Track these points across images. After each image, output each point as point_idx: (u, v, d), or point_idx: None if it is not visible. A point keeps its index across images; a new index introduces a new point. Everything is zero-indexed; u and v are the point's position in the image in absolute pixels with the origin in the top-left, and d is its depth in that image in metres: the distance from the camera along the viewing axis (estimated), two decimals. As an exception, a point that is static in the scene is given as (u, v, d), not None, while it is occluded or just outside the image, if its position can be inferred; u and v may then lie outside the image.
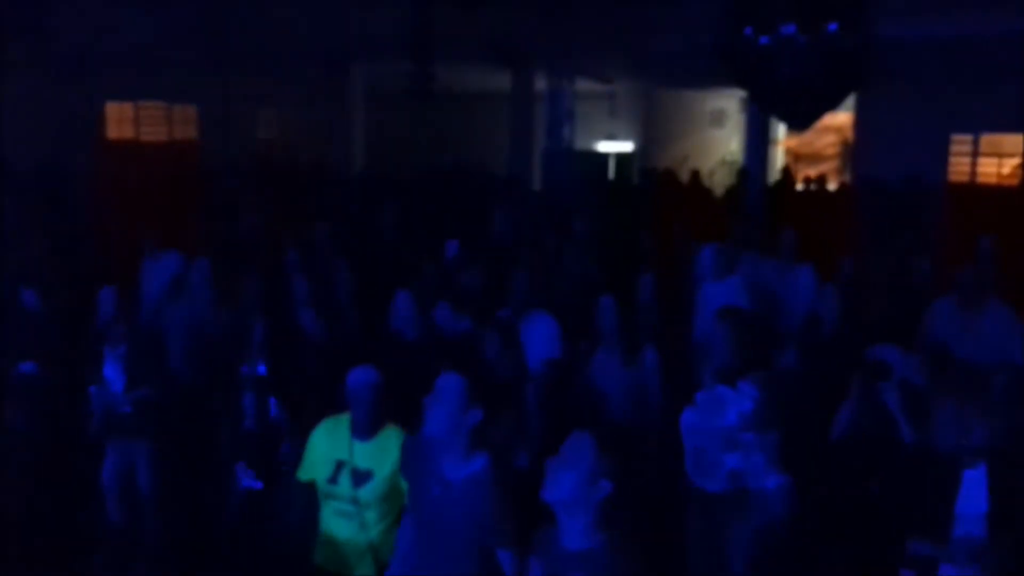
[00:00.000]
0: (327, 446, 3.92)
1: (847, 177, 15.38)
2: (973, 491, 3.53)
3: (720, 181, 15.56)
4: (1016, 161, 15.99)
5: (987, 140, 15.75)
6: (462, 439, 3.31)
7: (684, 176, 13.32)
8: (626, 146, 19.45)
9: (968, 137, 15.29)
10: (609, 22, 14.19)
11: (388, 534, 3.83)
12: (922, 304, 6.10)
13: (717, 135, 19.52)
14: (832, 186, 13.14)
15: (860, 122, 16.17)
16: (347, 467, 3.83)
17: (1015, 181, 14.77)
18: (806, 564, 4.50)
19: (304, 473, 3.99)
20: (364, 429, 3.85)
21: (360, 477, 3.81)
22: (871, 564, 3.97)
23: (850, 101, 14.64)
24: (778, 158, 18.10)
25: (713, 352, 4.44)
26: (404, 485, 3.69)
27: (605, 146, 19.16)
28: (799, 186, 13.28)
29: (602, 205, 11.55)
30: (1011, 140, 15.87)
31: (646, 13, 13.90)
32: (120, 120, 12.29)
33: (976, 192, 11.45)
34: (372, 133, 18.03)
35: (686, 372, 5.36)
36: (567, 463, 2.74)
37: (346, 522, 3.85)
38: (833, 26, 7.64)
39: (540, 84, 15.73)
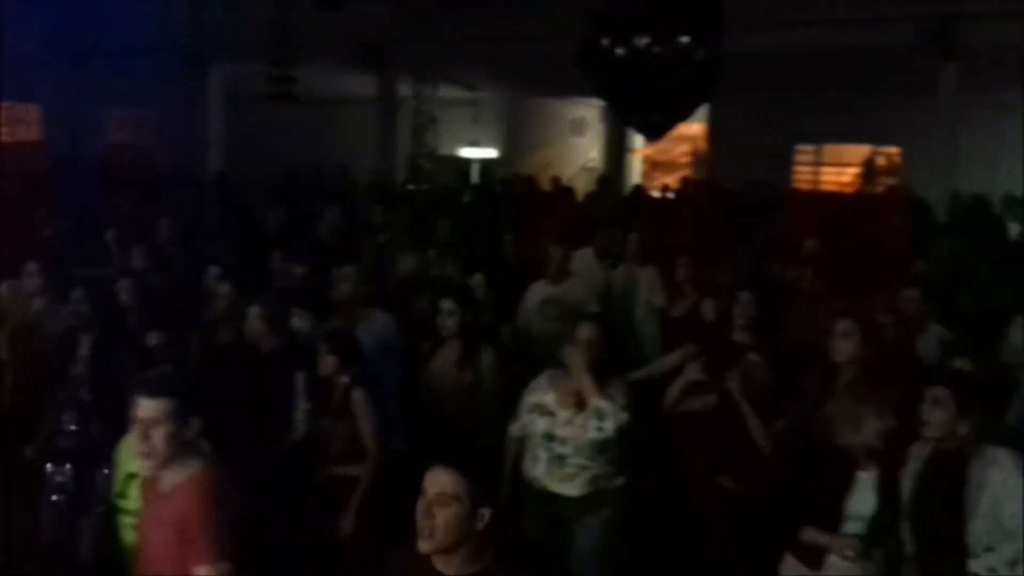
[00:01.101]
0: (124, 460, 3.84)
1: (700, 184, 15.94)
2: (863, 491, 3.69)
3: (581, 188, 15.88)
4: (855, 170, 17.01)
5: (829, 150, 16.72)
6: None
7: (545, 182, 13.54)
8: (490, 152, 19.62)
9: (811, 147, 16.20)
10: (473, 29, 14.30)
11: None
12: (773, 305, 6.37)
13: (578, 143, 19.94)
14: (685, 193, 13.58)
15: (712, 132, 16.85)
16: (136, 479, 3.72)
17: (853, 189, 15.71)
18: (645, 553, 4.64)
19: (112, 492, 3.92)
20: None
21: None
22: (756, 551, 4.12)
23: (703, 112, 15.24)
24: (636, 166, 18.63)
25: (570, 354, 4.48)
26: None
27: (469, 152, 19.28)
28: (655, 193, 13.71)
29: (465, 209, 11.63)
30: (851, 150, 16.88)
31: (510, 21, 14.07)
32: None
33: (817, 198, 12.08)
34: (231, 136, 17.57)
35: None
36: (445, 502, 2.60)
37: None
38: (686, 38, 7.88)
39: (405, 89, 15.69)
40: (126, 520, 3.81)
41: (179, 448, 3.09)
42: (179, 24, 14.45)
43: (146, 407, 3.06)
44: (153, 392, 3.09)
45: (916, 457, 3.62)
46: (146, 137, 17.38)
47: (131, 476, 3.76)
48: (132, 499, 3.74)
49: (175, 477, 3.09)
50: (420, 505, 2.57)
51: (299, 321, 5.55)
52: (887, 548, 3.67)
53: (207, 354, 5.55)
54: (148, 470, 3.14)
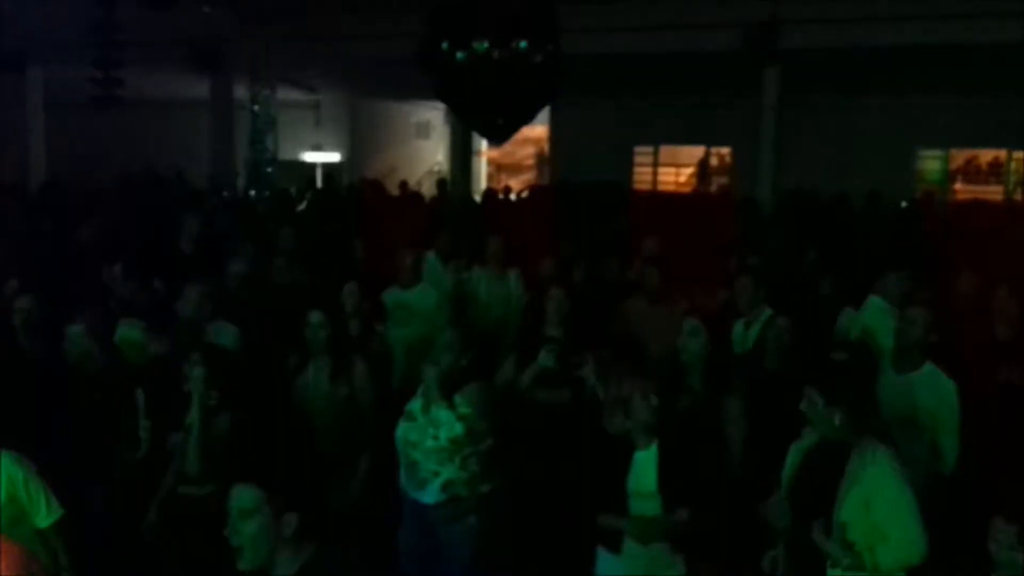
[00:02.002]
0: None
1: (544, 185, 16.22)
2: (642, 470, 3.82)
3: (428, 191, 15.86)
4: (691, 170, 17.70)
5: (665, 151, 17.34)
6: None
7: (391, 186, 13.43)
8: (333, 156, 19.31)
9: (649, 148, 16.74)
10: (309, 29, 14.02)
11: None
12: (611, 301, 6.55)
13: (423, 146, 19.91)
14: (527, 194, 13.78)
15: (553, 134, 17.16)
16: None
17: (689, 189, 16.35)
18: (521, 558, 4.66)
19: None
20: None
21: None
22: (576, 543, 4.19)
23: (545, 115, 15.50)
24: (482, 168, 18.76)
25: (429, 360, 4.46)
26: (31, 507, 3.63)
27: (311, 156, 18.91)
28: (500, 195, 13.83)
29: (309, 215, 11.39)
30: (687, 151, 17.55)
31: (347, 21, 13.87)
32: None
33: (655, 198, 12.48)
34: (54, 142, 16.60)
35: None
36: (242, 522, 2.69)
37: None
38: (524, 43, 7.97)
39: (241, 92, 15.23)
40: None
41: None
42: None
43: None
44: None
45: (794, 452, 3.64)
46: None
47: None
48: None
49: None
50: (228, 524, 2.67)
51: (131, 331, 5.26)
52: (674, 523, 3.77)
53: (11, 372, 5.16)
54: None
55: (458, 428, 4.30)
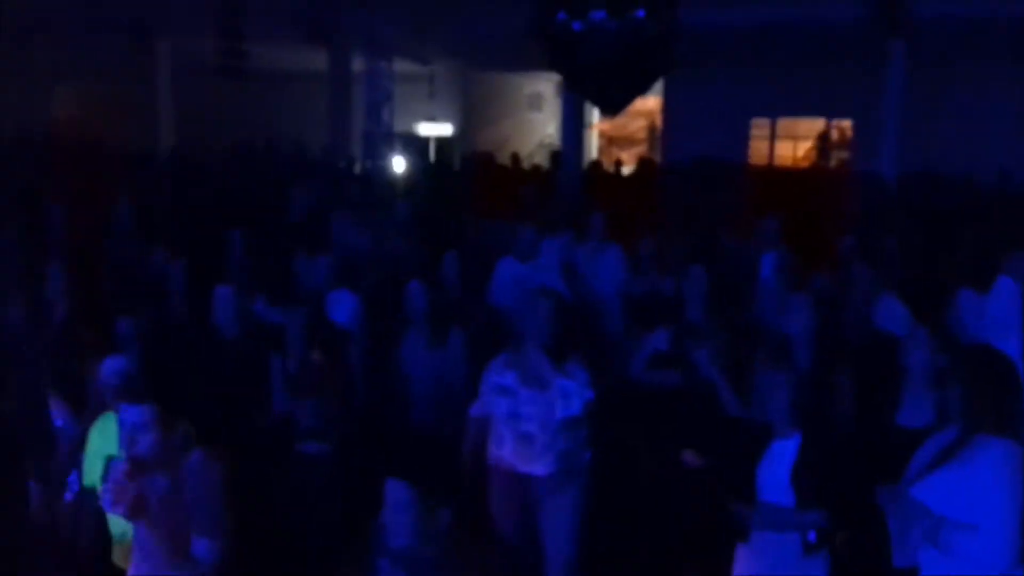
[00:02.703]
0: (100, 443, 3.81)
1: (657, 159, 16.01)
2: (778, 461, 3.70)
3: (539, 164, 15.86)
4: (809, 144, 17.19)
5: (783, 124, 16.86)
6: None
7: (504, 158, 13.48)
8: (446, 128, 19.49)
9: (766, 121, 16.32)
10: (426, 2, 14.14)
11: None
12: (727, 279, 6.44)
13: (535, 118, 19.88)
14: (639, 168, 13.60)
15: (668, 107, 16.89)
16: (118, 462, 3.70)
17: (808, 163, 15.88)
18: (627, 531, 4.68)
19: (88, 477, 3.87)
20: None
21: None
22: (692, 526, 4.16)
23: (659, 87, 15.26)
24: (593, 141, 18.63)
25: (529, 333, 4.47)
26: None
27: (425, 128, 19.13)
28: (610, 168, 13.71)
29: (423, 187, 11.55)
30: (805, 124, 17.04)
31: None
32: None
33: (773, 173, 12.17)
34: (181, 111, 17.25)
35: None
36: (398, 514, 2.77)
37: (119, 519, 3.70)
38: (641, 12, 7.88)
39: (358, 65, 15.50)
40: None
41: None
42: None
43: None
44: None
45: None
46: (93, 113, 16.99)
47: (110, 459, 3.71)
48: None
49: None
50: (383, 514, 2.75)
51: (262, 307, 5.48)
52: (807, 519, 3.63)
53: (160, 337, 5.43)
54: None
55: (589, 394, 4.31)
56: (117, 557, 3.84)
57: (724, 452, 3.87)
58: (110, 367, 3.87)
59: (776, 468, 3.70)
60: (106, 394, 3.91)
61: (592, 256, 6.94)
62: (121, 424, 3.21)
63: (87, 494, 3.91)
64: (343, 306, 5.56)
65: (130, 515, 2.96)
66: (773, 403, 3.72)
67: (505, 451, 4.47)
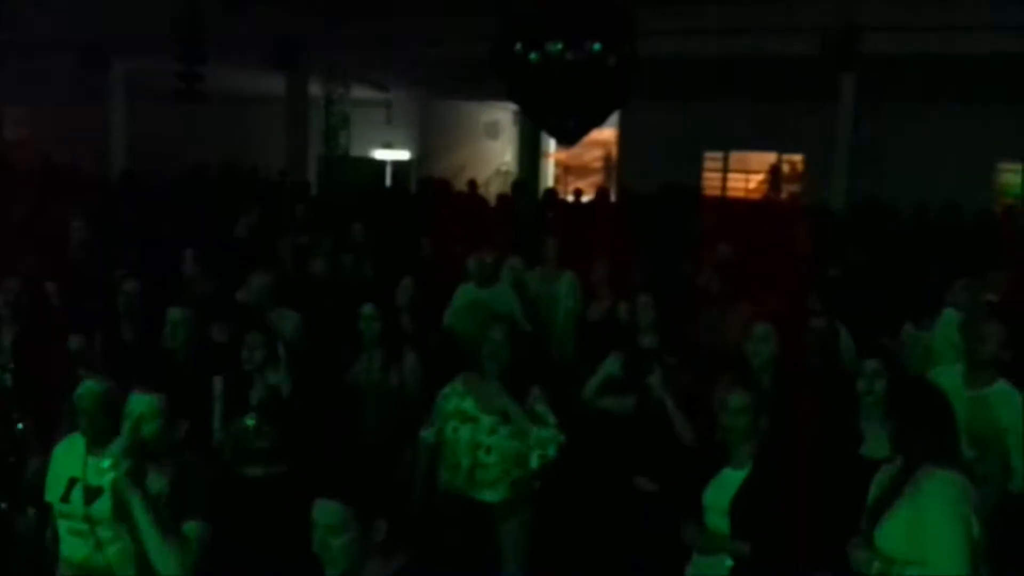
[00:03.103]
0: (63, 464, 3.76)
1: (612, 189, 16.17)
2: (725, 487, 3.77)
3: (495, 191, 15.94)
4: (760, 177, 17.49)
5: (736, 157, 17.16)
6: None
7: (461, 185, 13.52)
8: (403, 154, 19.52)
9: (719, 154, 16.60)
10: (383, 29, 14.20)
11: (124, 554, 3.65)
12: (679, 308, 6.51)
13: (492, 146, 19.99)
14: (593, 197, 13.72)
15: (623, 138, 17.10)
16: (79, 484, 3.66)
17: (759, 195, 16.16)
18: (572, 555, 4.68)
19: (49, 494, 3.79)
20: (95, 443, 3.68)
21: (92, 493, 3.64)
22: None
23: (615, 118, 15.45)
24: (550, 170, 18.77)
25: (485, 359, 4.47)
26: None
27: (382, 154, 19.15)
28: (568, 197, 13.81)
29: (378, 212, 11.53)
30: (757, 158, 17.35)
31: (420, 22, 14.02)
32: None
33: (725, 204, 12.35)
34: (135, 133, 17.07)
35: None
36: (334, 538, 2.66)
37: (81, 542, 3.67)
38: (597, 45, 7.97)
39: (316, 89, 15.48)
40: (69, 525, 3.70)
41: None
42: (81, 16, 14.00)
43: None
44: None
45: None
46: (44, 133, 16.77)
47: (73, 480, 3.67)
48: (75, 504, 3.65)
49: None
50: (314, 537, 2.62)
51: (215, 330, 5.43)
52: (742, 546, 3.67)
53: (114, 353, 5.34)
54: None
55: (561, 437, 4.31)
56: None
57: (676, 475, 3.90)
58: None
59: (721, 495, 3.76)
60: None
61: (546, 281, 6.98)
62: (127, 411, 3.36)
63: (44, 511, 3.86)
64: (287, 323, 5.52)
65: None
66: (730, 428, 3.77)
67: (458, 477, 4.45)
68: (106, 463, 3.46)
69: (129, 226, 9.15)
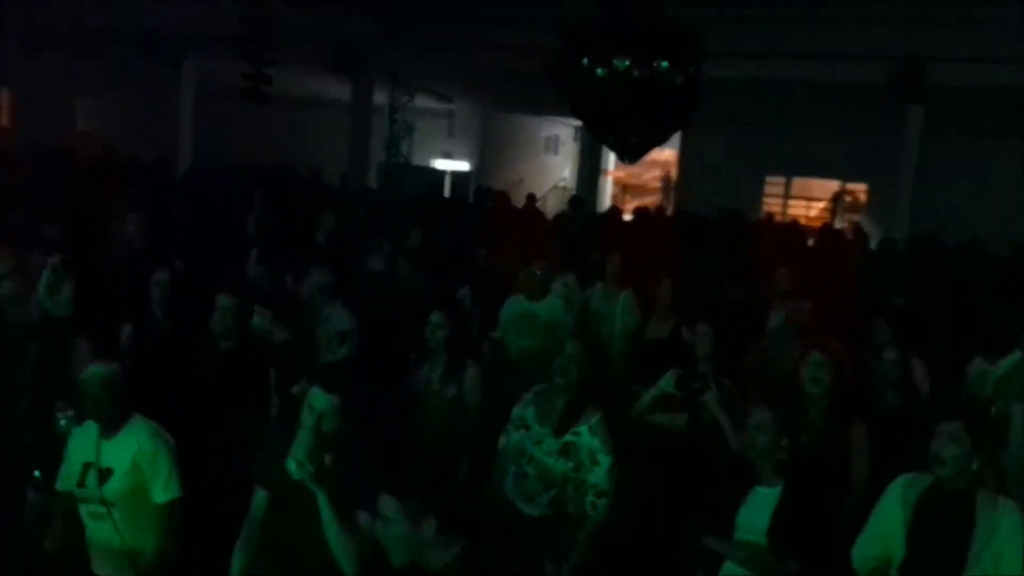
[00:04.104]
0: (78, 451, 3.84)
1: (670, 209, 16.07)
2: (759, 506, 3.71)
3: (553, 206, 15.94)
4: (823, 204, 17.26)
5: (798, 183, 16.95)
6: None
7: (519, 199, 13.53)
8: (462, 165, 19.61)
9: (781, 180, 16.42)
10: (448, 40, 14.32)
11: (144, 534, 3.75)
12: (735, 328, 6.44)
13: (551, 161, 19.99)
14: (657, 217, 13.64)
15: (684, 158, 17.00)
16: (93, 467, 3.75)
17: (820, 223, 15.93)
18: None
19: (64, 482, 3.88)
20: (105, 426, 3.78)
21: (103, 475, 3.73)
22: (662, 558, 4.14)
23: (676, 138, 15.38)
24: (608, 187, 18.72)
25: (555, 372, 4.42)
26: (151, 476, 3.71)
27: (442, 164, 19.26)
28: (626, 216, 13.74)
29: (437, 220, 11.59)
30: (819, 185, 17.13)
31: (484, 33, 14.11)
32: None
33: (785, 230, 12.18)
34: (202, 131, 17.40)
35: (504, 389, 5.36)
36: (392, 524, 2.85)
37: (100, 524, 3.77)
38: (665, 63, 7.94)
39: (381, 97, 15.65)
40: (89, 509, 3.79)
41: None
42: (154, 15, 14.34)
43: None
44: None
45: (907, 491, 3.46)
46: (113, 127, 17.17)
47: (87, 465, 3.76)
48: (91, 487, 3.73)
49: None
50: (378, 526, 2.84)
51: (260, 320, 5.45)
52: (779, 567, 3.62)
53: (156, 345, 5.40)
54: None
55: (608, 460, 4.24)
56: (97, 566, 3.83)
57: (715, 491, 3.87)
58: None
59: (755, 515, 3.71)
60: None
61: (605, 298, 6.95)
62: (309, 407, 3.47)
63: (62, 499, 3.93)
64: (338, 321, 5.52)
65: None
66: (751, 445, 3.74)
67: (506, 484, 4.43)
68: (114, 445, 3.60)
69: (184, 220, 9.30)
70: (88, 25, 14.03)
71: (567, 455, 4.26)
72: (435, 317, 5.11)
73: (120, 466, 3.73)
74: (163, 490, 3.76)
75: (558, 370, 4.33)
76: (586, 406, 4.32)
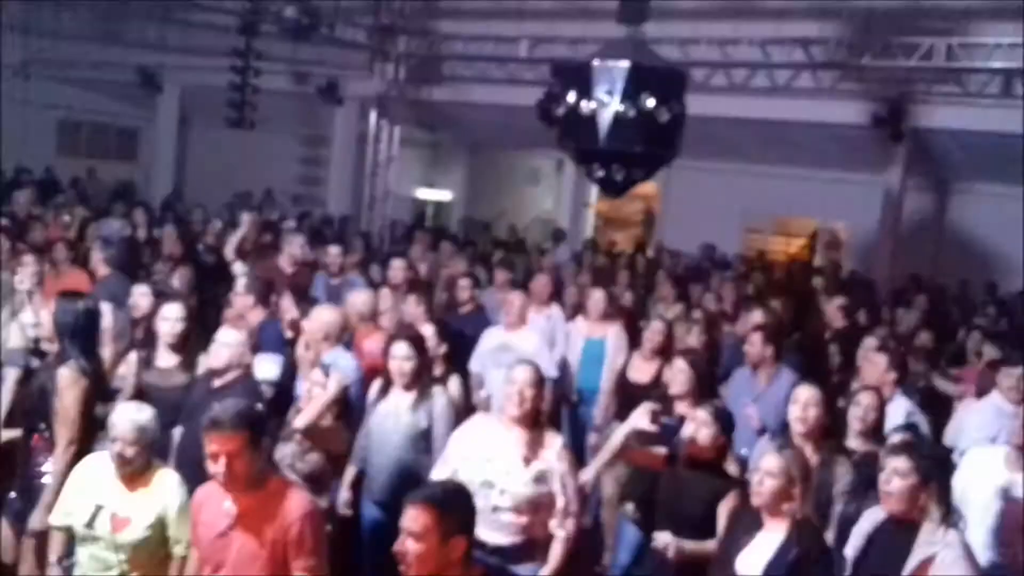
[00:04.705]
0: (87, 487, 3.68)
1: (651, 244, 16.13)
2: (759, 550, 3.68)
3: (533, 238, 15.92)
4: (802, 241, 17.37)
5: (779, 221, 17.05)
6: None
7: (500, 229, 13.55)
8: (445, 195, 19.62)
9: (762, 216, 16.50)
10: (432, 73, 14.40)
11: None
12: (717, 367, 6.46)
13: (533, 192, 20.02)
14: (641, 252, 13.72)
15: (666, 193, 17.07)
16: (105, 511, 3.60)
17: (802, 259, 16.03)
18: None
19: (67, 518, 3.72)
20: (125, 472, 3.62)
21: (119, 523, 3.59)
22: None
23: (659, 173, 15.44)
24: (590, 220, 18.75)
25: (506, 400, 4.39)
26: (176, 531, 3.60)
27: (424, 193, 19.26)
28: (611, 250, 13.78)
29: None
30: (798, 222, 17.24)
31: (469, 68, 14.18)
32: None
33: (766, 267, 12.25)
34: (183, 155, 17.35)
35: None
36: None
37: (102, 566, 3.63)
38: (651, 100, 8.03)
39: (363, 126, 15.62)
40: (92, 551, 3.66)
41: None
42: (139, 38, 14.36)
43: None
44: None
45: (864, 523, 3.67)
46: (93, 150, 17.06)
47: (99, 507, 3.62)
48: (101, 531, 3.61)
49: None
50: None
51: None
52: None
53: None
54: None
55: (571, 482, 4.24)
56: None
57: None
58: None
59: (755, 557, 3.68)
60: None
61: (590, 332, 6.94)
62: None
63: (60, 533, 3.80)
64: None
65: None
66: (759, 492, 3.71)
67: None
68: (155, 503, 3.54)
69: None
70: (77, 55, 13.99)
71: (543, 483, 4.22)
72: (398, 347, 5.04)
73: (141, 520, 3.60)
74: (186, 546, 3.63)
75: (509, 398, 4.29)
76: (542, 429, 4.28)
